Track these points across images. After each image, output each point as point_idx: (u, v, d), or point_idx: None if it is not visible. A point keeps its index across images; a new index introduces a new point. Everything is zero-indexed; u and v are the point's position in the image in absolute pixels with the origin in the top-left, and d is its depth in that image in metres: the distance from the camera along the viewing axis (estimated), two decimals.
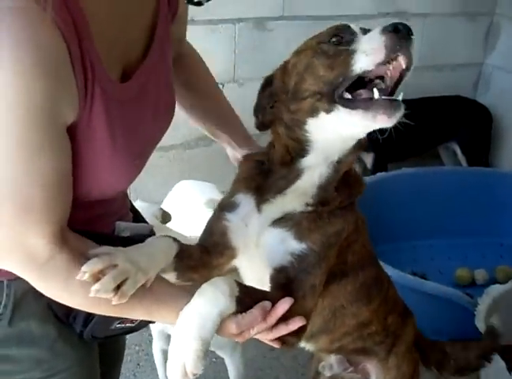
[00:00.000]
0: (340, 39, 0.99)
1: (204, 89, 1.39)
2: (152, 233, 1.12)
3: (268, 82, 1.14)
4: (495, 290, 2.27)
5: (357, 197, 1.16)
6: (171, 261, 1.02)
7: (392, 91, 0.97)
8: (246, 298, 0.97)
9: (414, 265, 2.89)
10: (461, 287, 2.76)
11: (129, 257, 0.91)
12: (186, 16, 1.25)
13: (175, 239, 1.04)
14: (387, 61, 0.92)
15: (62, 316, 1.07)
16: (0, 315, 1.02)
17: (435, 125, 3.47)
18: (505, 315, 1.82)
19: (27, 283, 0.93)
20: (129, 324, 1.11)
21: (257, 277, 1.12)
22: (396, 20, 0.94)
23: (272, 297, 1.01)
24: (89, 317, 1.04)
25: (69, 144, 0.91)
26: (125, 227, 1.09)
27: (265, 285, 1.08)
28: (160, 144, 1.18)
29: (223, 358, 2.10)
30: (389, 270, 1.42)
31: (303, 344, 1.32)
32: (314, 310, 1.10)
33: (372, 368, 1.43)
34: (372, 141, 1.09)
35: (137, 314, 1.00)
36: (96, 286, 0.85)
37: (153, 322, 1.18)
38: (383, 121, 0.93)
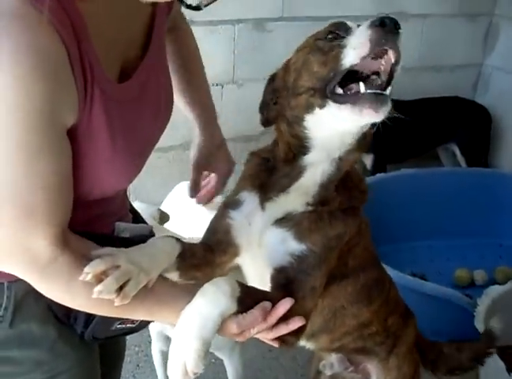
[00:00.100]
0: (336, 35, 0.99)
1: (189, 58, 1.41)
2: (152, 234, 1.12)
3: (272, 79, 1.15)
4: (495, 290, 2.27)
5: (361, 204, 1.16)
6: (173, 261, 1.02)
7: (384, 87, 0.96)
8: (247, 299, 0.97)
9: (413, 266, 2.89)
10: (460, 288, 2.77)
11: (132, 257, 0.91)
12: None
13: (178, 240, 1.04)
14: (375, 55, 0.92)
15: (63, 317, 1.07)
16: (1, 317, 1.02)
17: (434, 126, 3.46)
18: (504, 316, 1.82)
19: (27, 284, 0.93)
20: (130, 325, 1.11)
21: (260, 275, 1.12)
22: None
23: (273, 297, 1.02)
24: (90, 317, 1.04)
25: (69, 146, 0.91)
26: (124, 228, 1.09)
27: (267, 283, 1.08)
28: (158, 145, 1.18)
29: (222, 360, 2.09)
30: (389, 271, 1.42)
31: (303, 343, 1.32)
32: (313, 310, 1.11)
33: (373, 368, 1.42)
34: (372, 142, 1.10)
35: (138, 315, 1.00)
36: (99, 287, 0.86)
37: (153, 321, 1.18)
38: (370, 115, 0.93)
